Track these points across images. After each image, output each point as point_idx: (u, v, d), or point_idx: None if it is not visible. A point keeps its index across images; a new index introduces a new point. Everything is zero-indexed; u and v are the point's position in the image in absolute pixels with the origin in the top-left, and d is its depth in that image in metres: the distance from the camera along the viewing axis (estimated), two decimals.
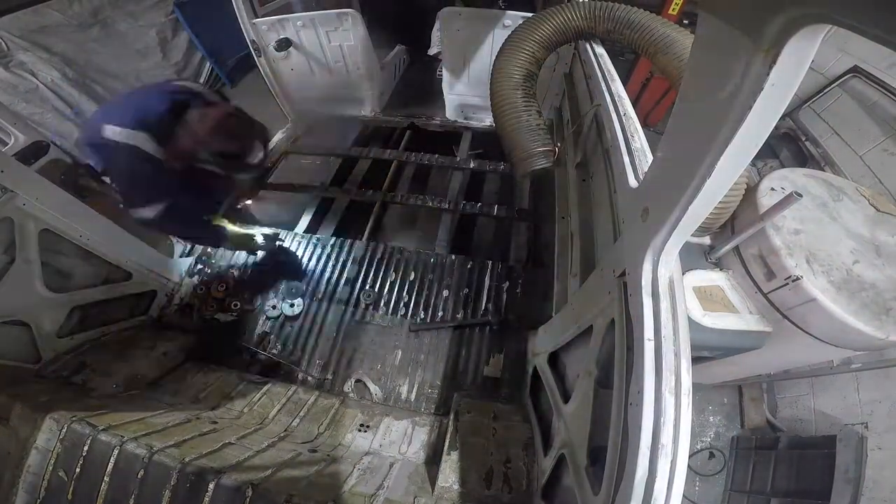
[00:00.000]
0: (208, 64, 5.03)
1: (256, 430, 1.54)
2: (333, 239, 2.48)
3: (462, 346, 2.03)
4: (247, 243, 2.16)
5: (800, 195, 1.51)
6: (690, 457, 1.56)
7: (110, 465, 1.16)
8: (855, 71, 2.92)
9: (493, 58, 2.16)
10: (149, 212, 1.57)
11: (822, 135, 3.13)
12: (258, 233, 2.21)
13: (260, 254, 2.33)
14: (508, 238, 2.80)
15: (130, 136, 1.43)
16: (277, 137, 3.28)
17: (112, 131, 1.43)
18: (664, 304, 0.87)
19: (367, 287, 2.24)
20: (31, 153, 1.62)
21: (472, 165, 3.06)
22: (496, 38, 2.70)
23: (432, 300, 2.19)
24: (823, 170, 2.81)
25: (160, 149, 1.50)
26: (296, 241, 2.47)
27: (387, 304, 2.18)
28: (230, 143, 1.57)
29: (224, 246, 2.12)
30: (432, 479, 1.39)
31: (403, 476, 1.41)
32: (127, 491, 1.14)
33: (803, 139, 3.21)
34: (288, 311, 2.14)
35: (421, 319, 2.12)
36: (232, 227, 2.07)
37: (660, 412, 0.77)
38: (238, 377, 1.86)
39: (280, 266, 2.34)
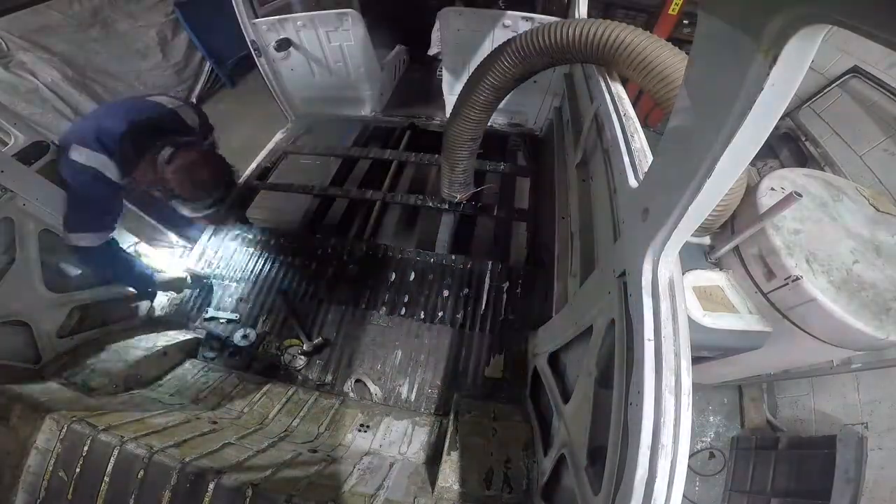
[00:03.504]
0: (208, 64, 5.04)
1: (256, 430, 1.54)
2: (333, 239, 2.48)
3: (462, 346, 2.03)
4: (177, 286, 2.04)
5: (800, 195, 1.51)
6: (690, 457, 1.56)
7: (110, 465, 1.16)
8: (855, 71, 2.92)
9: None
10: (88, 240, 1.50)
11: (822, 135, 3.13)
12: (188, 274, 2.09)
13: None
14: (508, 238, 2.81)
15: (91, 158, 1.39)
16: (277, 137, 3.29)
17: (76, 152, 1.38)
18: (664, 304, 0.87)
19: (367, 287, 2.24)
20: (31, 153, 1.61)
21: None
22: (496, 38, 2.70)
23: (432, 300, 2.19)
24: (823, 170, 2.81)
25: (122, 175, 1.44)
26: (295, 241, 2.46)
27: (387, 304, 2.18)
28: (193, 189, 1.50)
29: (152, 289, 1.97)
30: (432, 480, 1.39)
31: (403, 476, 1.41)
32: (127, 491, 1.14)
33: (803, 139, 3.22)
34: (240, 342, 2.01)
35: (421, 320, 2.12)
36: (162, 274, 1.95)
37: (660, 412, 0.77)
38: (238, 377, 1.86)
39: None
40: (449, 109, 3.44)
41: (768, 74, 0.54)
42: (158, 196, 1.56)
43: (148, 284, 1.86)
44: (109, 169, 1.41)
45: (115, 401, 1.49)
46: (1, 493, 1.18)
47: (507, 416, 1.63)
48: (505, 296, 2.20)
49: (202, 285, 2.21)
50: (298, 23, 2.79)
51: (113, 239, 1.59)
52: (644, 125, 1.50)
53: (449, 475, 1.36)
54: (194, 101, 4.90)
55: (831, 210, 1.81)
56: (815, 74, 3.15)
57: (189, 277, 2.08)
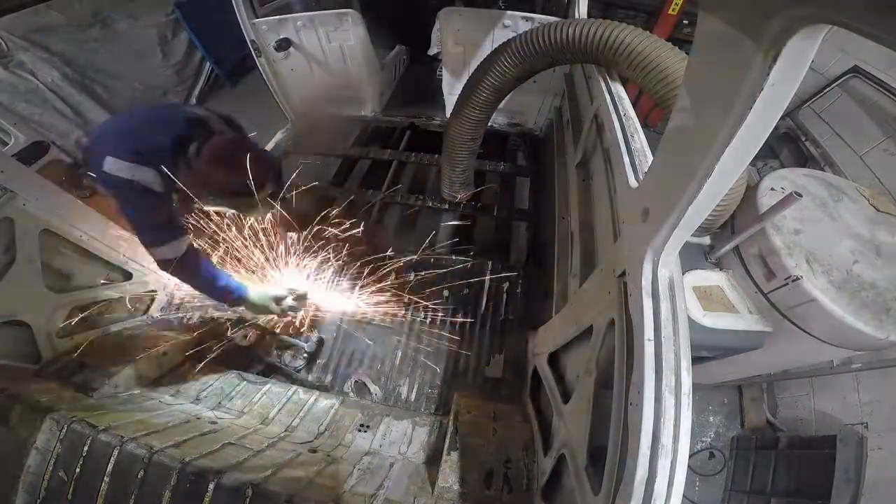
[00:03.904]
0: (208, 64, 5.04)
1: (256, 430, 1.54)
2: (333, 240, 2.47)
3: (462, 346, 2.03)
4: (271, 309, 1.77)
5: (800, 195, 1.51)
6: (690, 457, 1.56)
7: (110, 466, 1.16)
8: (855, 71, 2.92)
9: None
10: (169, 251, 1.42)
11: (822, 135, 3.14)
12: (289, 294, 1.80)
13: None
14: (508, 238, 2.81)
15: (133, 170, 1.29)
16: (277, 137, 3.28)
17: (113, 165, 1.28)
18: (664, 305, 0.87)
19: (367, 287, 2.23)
20: (31, 153, 1.62)
21: None
22: (496, 38, 2.70)
23: (432, 300, 2.19)
24: (823, 170, 2.81)
25: (167, 185, 1.35)
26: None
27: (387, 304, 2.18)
28: (232, 173, 1.34)
29: (244, 307, 1.75)
30: (432, 480, 1.39)
31: (403, 476, 1.41)
32: (127, 491, 1.14)
33: (803, 139, 3.22)
34: (241, 342, 1.96)
35: (421, 320, 2.12)
36: (256, 289, 1.75)
37: (660, 412, 0.77)
38: (238, 377, 1.85)
39: None
40: (449, 109, 3.45)
41: (768, 74, 0.54)
42: (213, 204, 1.45)
43: (238, 302, 1.70)
44: (155, 182, 1.34)
45: (115, 401, 1.49)
46: (1, 493, 1.18)
47: (507, 416, 1.63)
48: (505, 296, 2.20)
49: (301, 308, 1.87)
50: (298, 23, 2.79)
51: (195, 249, 1.52)
52: (644, 125, 1.50)
53: (449, 475, 1.36)
54: (194, 101, 4.91)
55: (831, 210, 1.81)
56: (815, 74, 3.15)
57: (291, 298, 1.80)
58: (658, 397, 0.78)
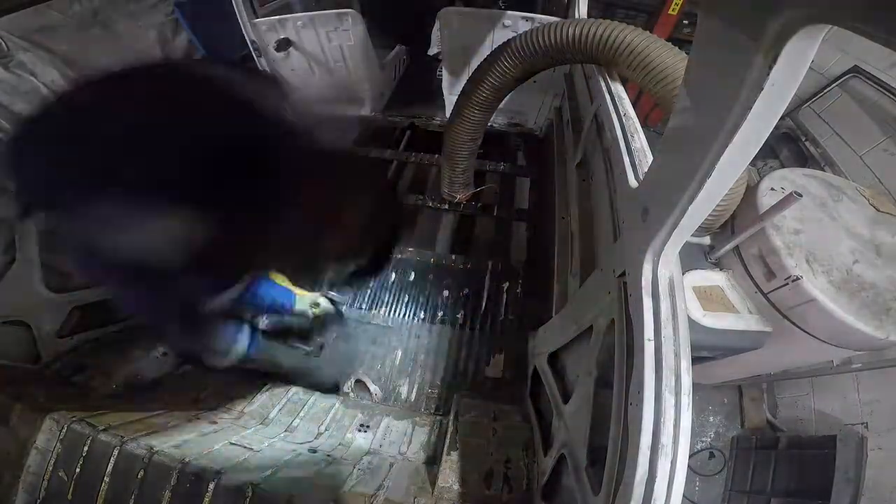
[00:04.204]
0: None
1: (256, 430, 1.54)
2: None
3: (462, 346, 2.03)
4: (311, 314, 1.62)
5: (800, 195, 1.51)
6: (690, 457, 1.56)
7: (110, 466, 1.16)
8: (855, 71, 2.92)
9: None
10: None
11: (822, 135, 3.13)
12: (326, 300, 1.65)
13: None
14: (508, 238, 2.81)
15: None
16: None
17: None
18: (664, 305, 0.87)
19: (367, 287, 2.24)
20: None
21: None
22: (496, 38, 2.70)
23: (432, 300, 2.19)
24: (823, 170, 2.81)
25: None
26: None
27: (387, 304, 2.18)
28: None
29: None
30: (432, 480, 1.39)
31: (403, 476, 1.41)
32: (127, 491, 1.14)
33: (803, 139, 3.22)
34: None
35: (421, 320, 2.12)
36: (302, 298, 1.56)
37: (660, 412, 0.77)
38: (238, 377, 1.85)
39: None
40: (449, 109, 3.44)
41: (768, 74, 0.54)
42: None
43: (286, 311, 1.58)
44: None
45: (115, 401, 1.49)
46: (1, 493, 1.18)
47: (507, 416, 1.63)
48: (505, 296, 2.20)
49: (339, 317, 1.80)
50: (298, 23, 2.79)
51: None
52: (644, 125, 1.50)
53: (449, 475, 1.36)
54: None
55: (831, 210, 1.81)
56: (815, 74, 3.15)
57: (328, 304, 1.69)
58: (658, 397, 0.78)
